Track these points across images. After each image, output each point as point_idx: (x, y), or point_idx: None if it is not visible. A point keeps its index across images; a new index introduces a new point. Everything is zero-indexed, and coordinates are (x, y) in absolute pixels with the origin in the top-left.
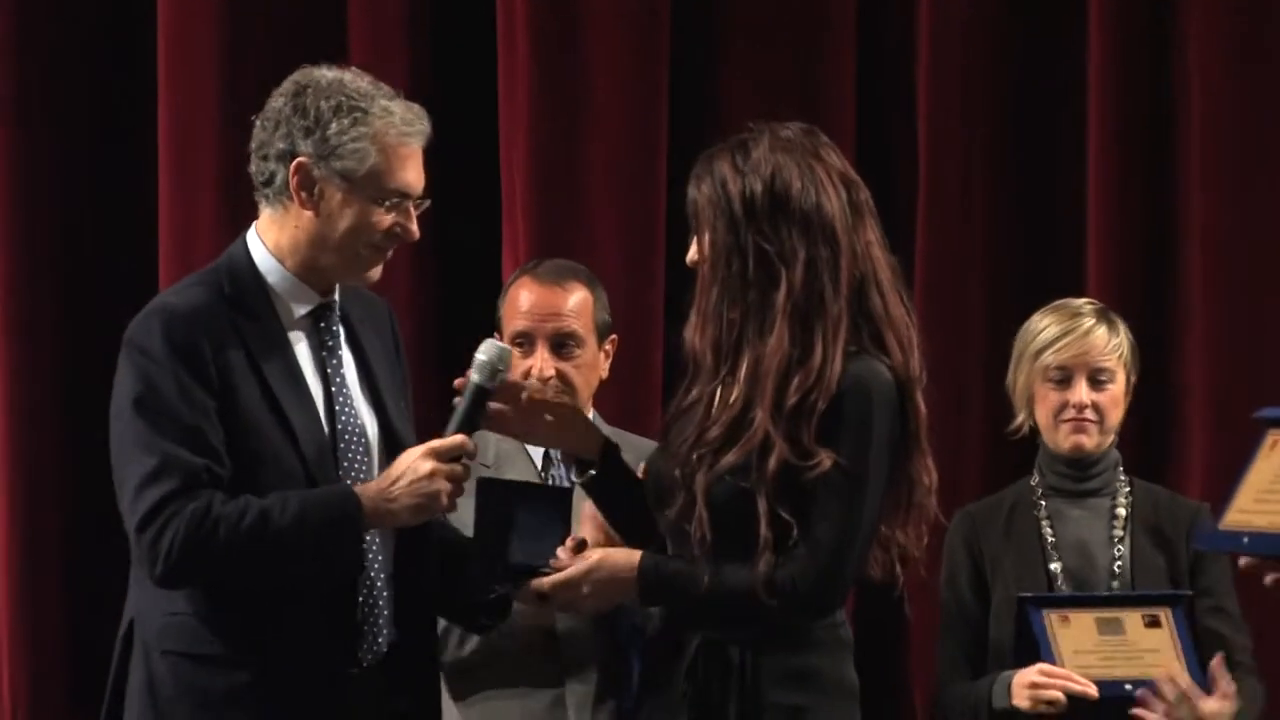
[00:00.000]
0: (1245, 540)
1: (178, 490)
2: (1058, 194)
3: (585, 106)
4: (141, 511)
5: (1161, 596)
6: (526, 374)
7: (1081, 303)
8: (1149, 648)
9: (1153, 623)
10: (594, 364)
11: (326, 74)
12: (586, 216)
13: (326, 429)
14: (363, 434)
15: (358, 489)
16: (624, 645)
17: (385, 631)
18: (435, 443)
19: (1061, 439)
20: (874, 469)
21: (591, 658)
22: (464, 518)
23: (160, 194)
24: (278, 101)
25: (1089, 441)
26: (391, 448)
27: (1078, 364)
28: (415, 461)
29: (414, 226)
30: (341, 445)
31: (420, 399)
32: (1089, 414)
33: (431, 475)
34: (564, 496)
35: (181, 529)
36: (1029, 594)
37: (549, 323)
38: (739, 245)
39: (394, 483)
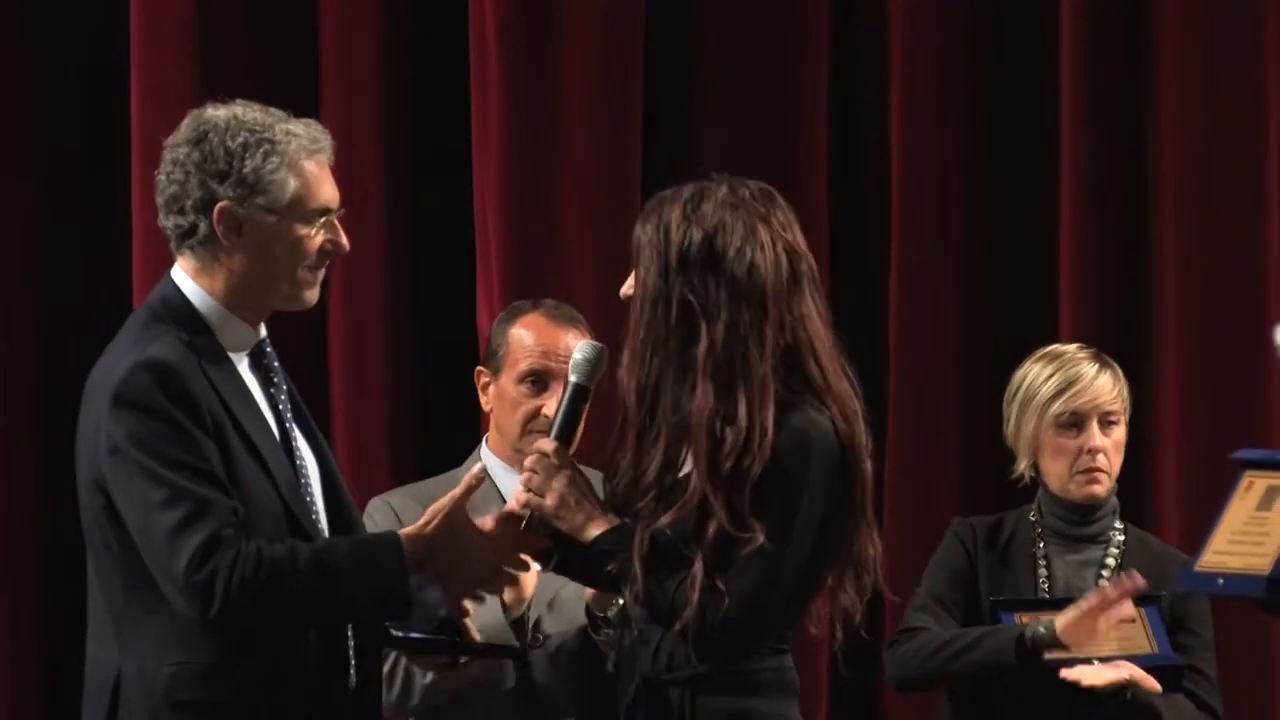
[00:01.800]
0: (1220, 581)
1: (219, 531)
2: (1032, 225)
3: (558, 127)
4: (186, 557)
5: (1137, 599)
6: (536, 412)
7: (1073, 348)
8: (1122, 636)
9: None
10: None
11: (219, 113)
12: (559, 238)
13: (290, 466)
14: (309, 466)
15: (403, 536)
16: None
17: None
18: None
19: (1076, 489)
20: (804, 530)
21: (570, 708)
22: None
23: (133, 207)
24: (179, 152)
25: (1102, 490)
26: (328, 478)
27: (1090, 409)
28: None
29: (343, 239)
30: (303, 481)
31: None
32: (1101, 460)
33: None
34: (463, 648)
35: (239, 571)
36: (1000, 598)
37: (566, 364)
38: (666, 291)
39: (444, 540)
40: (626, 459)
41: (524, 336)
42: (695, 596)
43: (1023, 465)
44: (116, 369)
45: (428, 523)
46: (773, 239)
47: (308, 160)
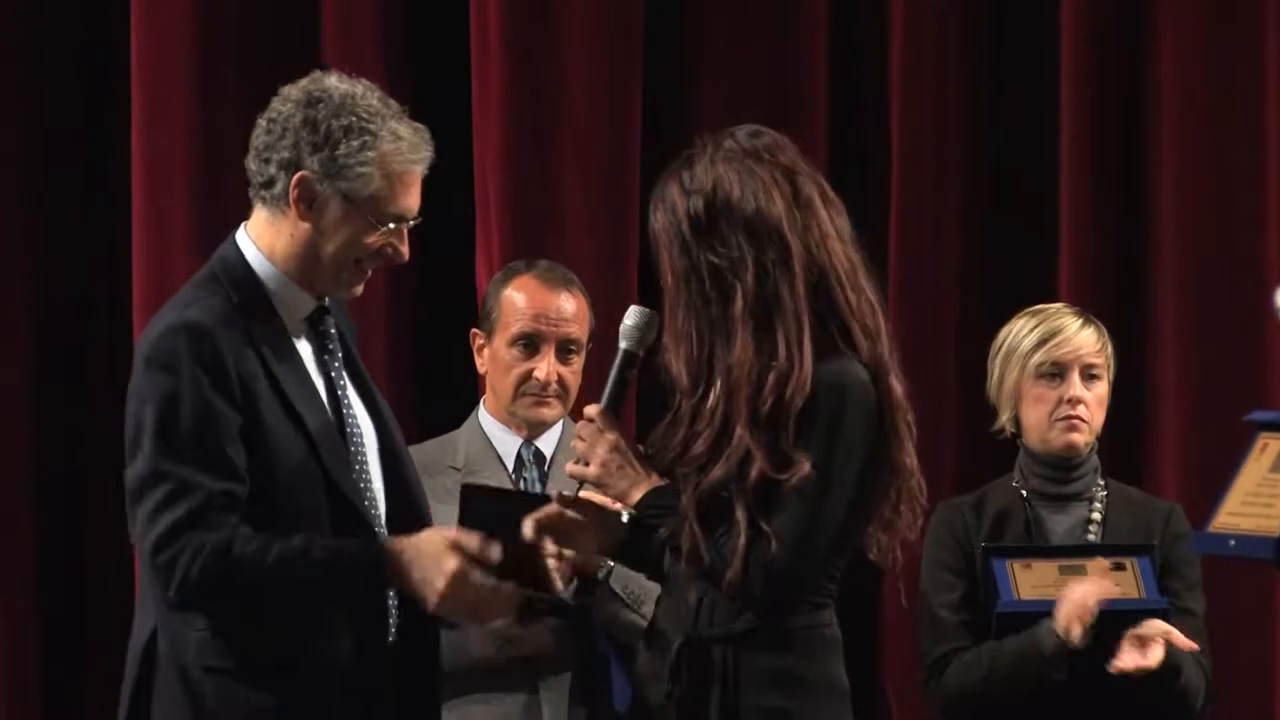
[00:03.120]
0: (1232, 543)
1: (192, 514)
2: (1031, 194)
3: (558, 89)
4: (155, 535)
5: (1129, 547)
6: (528, 375)
7: (1059, 307)
8: (1114, 583)
9: (1118, 567)
10: (580, 370)
11: (340, 87)
12: (560, 217)
13: (337, 433)
14: (364, 434)
15: (385, 547)
16: (601, 652)
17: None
18: (463, 540)
19: (1055, 437)
20: (843, 471)
21: (566, 660)
22: (444, 522)
23: (134, 195)
24: (286, 107)
25: (1081, 439)
26: (387, 445)
27: (1071, 360)
28: (441, 552)
29: (405, 248)
30: (351, 449)
31: (394, 395)
32: (1081, 410)
33: (448, 574)
34: (542, 502)
35: (200, 561)
36: (990, 544)
37: (559, 327)
38: (694, 265)
39: (413, 558)
40: (678, 436)
41: (516, 299)
42: (740, 543)
43: (1004, 418)
44: (157, 327)
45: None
46: (771, 174)
47: (401, 166)
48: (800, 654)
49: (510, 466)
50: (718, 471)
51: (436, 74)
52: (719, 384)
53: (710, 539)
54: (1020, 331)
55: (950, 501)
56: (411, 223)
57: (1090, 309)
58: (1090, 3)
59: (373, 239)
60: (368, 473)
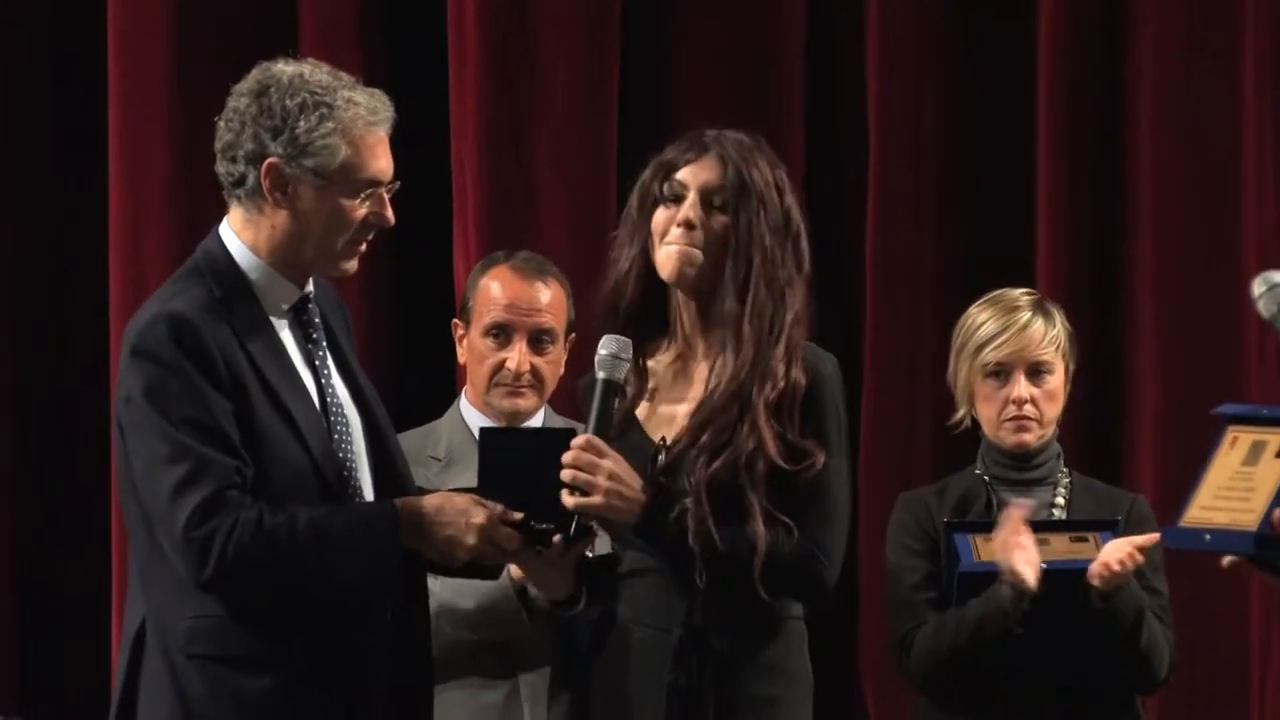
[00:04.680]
0: (1207, 537)
1: (220, 492)
2: (1009, 186)
3: (536, 100)
4: (186, 514)
5: (1092, 522)
6: (500, 365)
7: (1018, 294)
8: (1074, 552)
9: (1079, 540)
10: (560, 361)
11: (287, 69)
12: (537, 212)
13: (324, 422)
14: (349, 423)
15: (400, 506)
16: (580, 644)
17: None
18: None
19: (1005, 436)
20: (841, 453)
21: (545, 650)
22: None
23: (111, 193)
24: (240, 101)
25: (1031, 438)
26: (374, 434)
27: (1016, 360)
28: (469, 507)
29: (389, 213)
30: (336, 437)
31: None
32: (1029, 409)
33: (476, 527)
34: (566, 438)
35: (236, 536)
36: (952, 519)
37: (530, 317)
38: (778, 235)
39: (435, 517)
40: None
41: (491, 288)
42: (760, 529)
43: (960, 411)
44: (142, 319)
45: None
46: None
47: (364, 130)
48: (784, 644)
49: None
50: (721, 462)
51: (414, 73)
52: (729, 370)
53: (730, 531)
54: (972, 325)
55: (912, 491)
56: (388, 186)
57: (1066, 298)
58: None
59: (354, 211)
60: (353, 462)
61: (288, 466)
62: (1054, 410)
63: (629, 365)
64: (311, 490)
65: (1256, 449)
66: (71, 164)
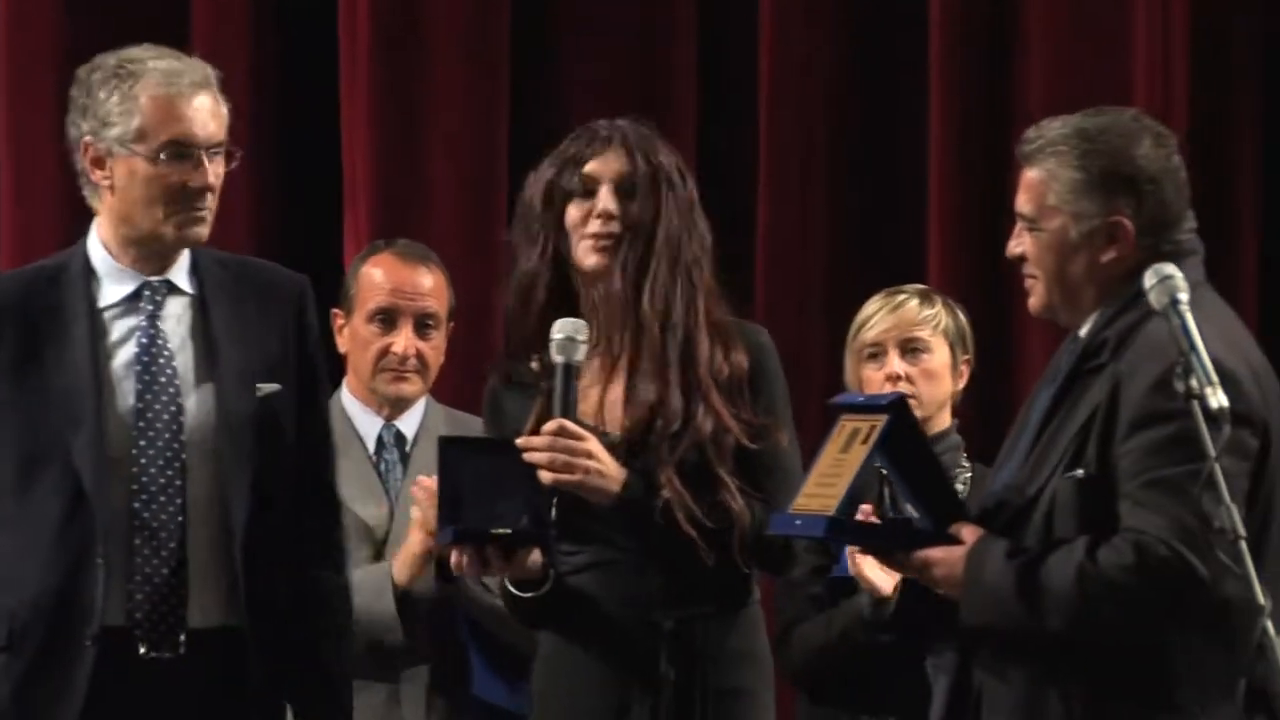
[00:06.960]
0: (798, 523)
1: None
2: (900, 177)
3: (427, 94)
4: None
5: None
6: (386, 350)
7: (908, 287)
8: None
9: None
10: (443, 347)
11: (109, 56)
12: (428, 204)
13: (126, 409)
14: (179, 412)
15: None
16: (460, 639)
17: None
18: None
19: None
20: (790, 420)
21: (425, 651)
22: None
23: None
24: (73, 99)
25: (918, 414)
26: (224, 424)
27: (888, 337)
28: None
29: (202, 176)
30: (142, 424)
31: None
32: (904, 386)
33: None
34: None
35: None
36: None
37: (415, 301)
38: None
39: None
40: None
41: (374, 275)
42: (735, 504)
43: None
44: None
45: None
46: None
47: (158, 91)
48: (753, 633)
49: (371, 448)
50: (690, 439)
51: (307, 71)
52: (677, 352)
53: (703, 508)
54: (858, 315)
55: None
56: (209, 150)
57: (957, 291)
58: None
59: (164, 175)
60: (171, 452)
61: (44, 450)
62: (934, 390)
63: (586, 345)
64: (67, 478)
65: (853, 436)
66: None
